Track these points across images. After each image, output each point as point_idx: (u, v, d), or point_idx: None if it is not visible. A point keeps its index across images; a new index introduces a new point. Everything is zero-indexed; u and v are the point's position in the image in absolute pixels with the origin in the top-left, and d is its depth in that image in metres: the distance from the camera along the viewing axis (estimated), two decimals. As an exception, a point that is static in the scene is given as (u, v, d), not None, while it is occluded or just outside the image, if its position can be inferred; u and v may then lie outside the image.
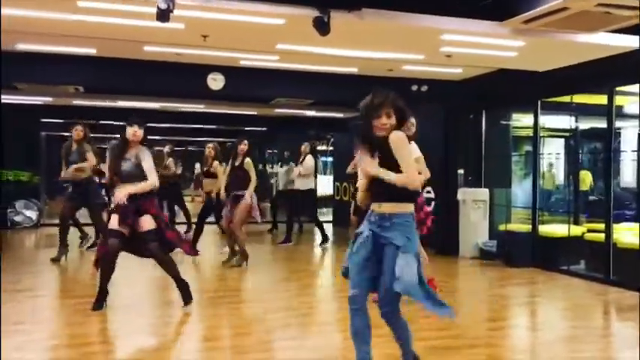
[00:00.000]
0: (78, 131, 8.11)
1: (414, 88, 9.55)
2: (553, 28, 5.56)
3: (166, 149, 11.15)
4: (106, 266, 5.49)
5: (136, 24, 5.97)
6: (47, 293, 6.82)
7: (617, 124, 10.56)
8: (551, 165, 12.26)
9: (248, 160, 8.03)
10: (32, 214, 13.02)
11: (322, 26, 5.35)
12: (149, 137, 5.58)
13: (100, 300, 5.57)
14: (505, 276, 8.15)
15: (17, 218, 12.85)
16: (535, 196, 8.91)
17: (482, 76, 9.26)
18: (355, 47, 6.61)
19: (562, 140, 11.92)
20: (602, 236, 7.83)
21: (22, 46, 7.58)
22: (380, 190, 3.53)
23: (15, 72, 8.38)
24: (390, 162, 3.45)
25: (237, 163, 8.05)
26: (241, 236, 8.09)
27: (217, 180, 8.74)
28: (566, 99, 8.73)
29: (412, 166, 3.49)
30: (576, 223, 9.28)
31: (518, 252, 8.80)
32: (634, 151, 8.67)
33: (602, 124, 9.69)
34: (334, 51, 6.56)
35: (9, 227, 12.50)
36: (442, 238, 9.99)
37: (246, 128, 17.12)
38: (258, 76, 9.07)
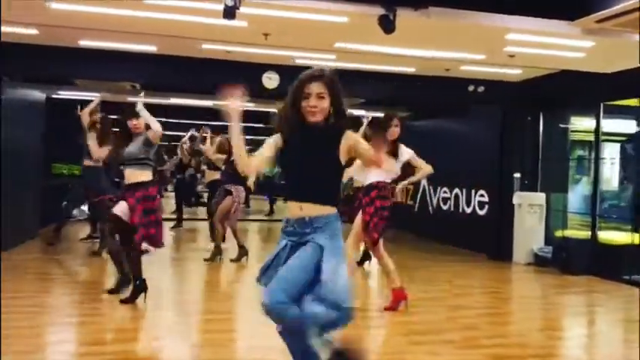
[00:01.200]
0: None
1: (471, 88, 9.36)
2: (626, 28, 5.35)
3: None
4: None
5: (199, 21, 6.00)
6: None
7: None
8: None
9: None
10: (87, 208, 13.26)
11: (388, 24, 5.26)
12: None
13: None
14: (563, 284, 7.91)
15: (73, 211, 13.10)
16: (595, 202, 8.63)
17: (542, 77, 9.00)
18: (416, 46, 6.50)
19: (617, 145, 11.54)
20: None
21: (85, 43, 7.71)
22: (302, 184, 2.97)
23: (76, 68, 8.59)
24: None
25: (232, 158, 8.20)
26: (220, 230, 8.45)
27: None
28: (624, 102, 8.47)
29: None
30: (636, 230, 8.95)
31: (575, 259, 8.54)
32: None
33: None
34: (395, 50, 6.45)
35: (65, 220, 12.76)
36: (495, 242, 9.80)
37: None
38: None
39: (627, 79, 7.77)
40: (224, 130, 8.27)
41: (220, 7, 4.98)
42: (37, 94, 10.03)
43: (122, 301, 5.63)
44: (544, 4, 5.55)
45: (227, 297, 6.84)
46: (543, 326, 6.03)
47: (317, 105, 2.92)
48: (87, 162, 8.21)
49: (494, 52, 6.75)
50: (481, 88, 9.38)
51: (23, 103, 9.21)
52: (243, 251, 8.33)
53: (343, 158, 2.97)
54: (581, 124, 10.16)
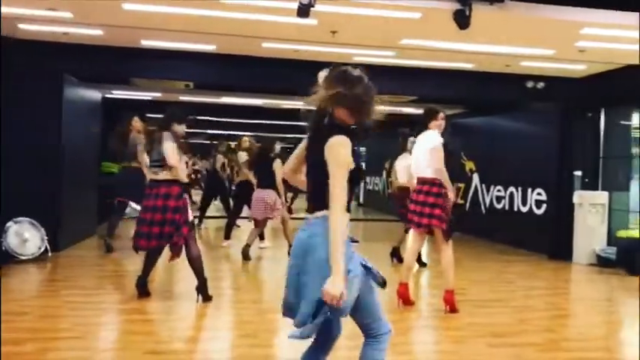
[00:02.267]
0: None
1: (530, 85, 9.18)
2: None
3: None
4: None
5: (266, 19, 5.98)
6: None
7: None
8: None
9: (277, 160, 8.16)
10: (137, 206, 13.42)
11: (463, 19, 5.16)
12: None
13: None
14: (631, 285, 7.66)
15: (126, 209, 13.27)
16: (663, 201, 8.36)
17: (604, 73, 8.77)
18: (488, 41, 6.37)
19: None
20: None
21: (146, 43, 7.78)
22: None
23: (135, 67, 8.69)
24: None
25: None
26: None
27: None
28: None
29: None
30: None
31: (641, 260, 8.28)
32: None
33: None
34: (463, 46, 6.33)
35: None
36: (554, 242, 9.58)
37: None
38: (367, 72, 8.96)
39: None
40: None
41: (288, 5, 4.95)
42: (94, 93, 10.18)
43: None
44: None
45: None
46: (621, 330, 5.87)
47: None
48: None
49: (565, 47, 6.58)
50: (541, 85, 9.18)
51: (81, 102, 9.36)
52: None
53: None
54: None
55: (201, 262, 5.72)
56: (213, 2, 5.61)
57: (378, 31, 6.19)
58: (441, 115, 5.68)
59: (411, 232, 5.92)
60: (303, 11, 4.98)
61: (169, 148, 5.46)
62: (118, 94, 12.02)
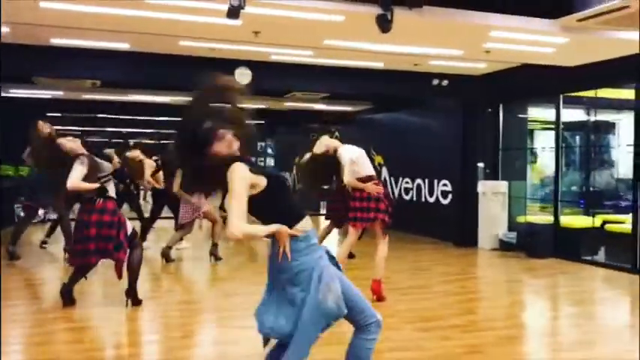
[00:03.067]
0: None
1: (435, 82, 9.68)
2: (604, 26, 5.73)
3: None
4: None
5: (191, 20, 5.97)
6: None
7: (615, 116, 11.01)
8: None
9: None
10: (39, 210, 12.80)
11: (385, 23, 5.42)
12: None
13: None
14: (532, 267, 8.35)
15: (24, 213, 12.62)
16: (557, 189, 9.12)
17: (501, 71, 9.42)
18: (404, 43, 6.69)
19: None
20: (620, 227, 8.17)
21: (56, 41, 7.48)
22: None
23: (41, 66, 8.30)
24: None
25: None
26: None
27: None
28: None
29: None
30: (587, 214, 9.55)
31: (539, 243, 9.02)
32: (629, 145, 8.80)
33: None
34: (383, 47, 6.63)
35: (16, 223, 12.28)
36: (460, 229, 10.20)
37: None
38: (283, 70, 9.10)
39: (583, 72, 8.26)
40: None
41: (209, 6, 4.98)
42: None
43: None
44: (527, 4, 5.87)
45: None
46: (530, 308, 6.44)
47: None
48: None
49: (473, 48, 7.05)
50: (445, 82, 9.71)
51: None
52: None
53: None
54: (538, 115, 10.73)
55: (139, 268, 5.65)
56: (133, 2, 5.51)
57: (301, 33, 6.35)
58: None
59: (350, 227, 6.05)
60: (233, 13, 5.03)
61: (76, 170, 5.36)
62: (16, 92, 11.39)
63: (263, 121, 17.05)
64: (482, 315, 5.83)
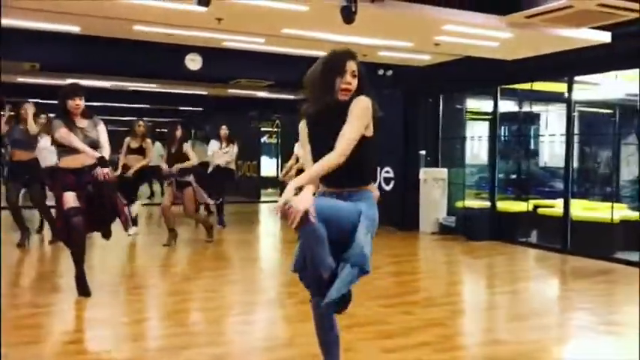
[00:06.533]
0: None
1: (381, 72, 10.03)
2: (549, 23, 6.20)
3: None
4: (78, 248, 5.28)
5: (151, 4, 6.00)
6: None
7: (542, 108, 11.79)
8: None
9: (186, 144, 8.27)
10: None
11: (349, 15, 5.64)
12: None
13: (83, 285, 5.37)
14: (470, 249, 8.87)
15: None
16: (494, 176, 9.70)
17: (443, 63, 9.86)
18: (360, 34, 6.95)
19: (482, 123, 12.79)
20: (551, 211, 8.82)
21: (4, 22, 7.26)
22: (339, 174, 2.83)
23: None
24: None
25: (174, 150, 8.24)
26: (199, 217, 8.88)
27: (145, 156, 8.79)
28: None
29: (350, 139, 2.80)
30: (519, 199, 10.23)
31: (477, 227, 9.57)
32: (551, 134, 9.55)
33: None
34: (340, 37, 6.86)
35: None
36: (403, 214, 10.63)
37: (181, 108, 17.08)
38: (232, 57, 9.19)
39: (519, 66, 8.81)
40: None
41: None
42: None
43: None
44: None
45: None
46: (472, 285, 6.91)
47: (352, 83, 2.86)
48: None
49: (423, 41, 7.40)
50: (390, 72, 10.07)
51: None
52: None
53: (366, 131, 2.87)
54: (473, 106, 11.31)
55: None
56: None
57: (263, 21, 6.48)
58: None
59: None
60: (204, 0, 5.12)
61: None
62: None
63: (202, 108, 17.01)
64: (435, 292, 6.21)
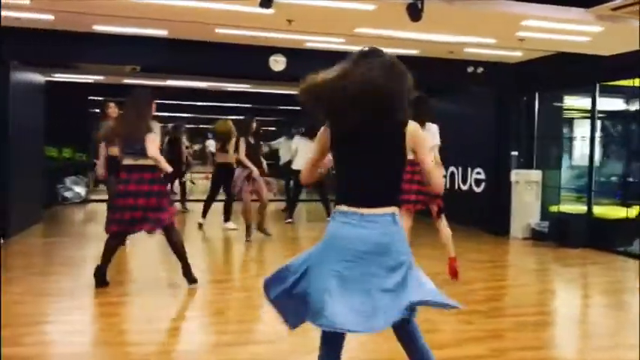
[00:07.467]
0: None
1: (470, 69, 9.66)
2: (636, 15, 5.68)
3: None
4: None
5: (227, 8, 6.14)
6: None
7: None
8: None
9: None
10: (81, 190, 13.32)
11: (415, 12, 5.48)
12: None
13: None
14: (561, 256, 8.32)
15: (67, 194, 13.14)
16: (591, 179, 9.05)
17: (537, 59, 9.33)
18: (437, 31, 6.74)
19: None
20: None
21: (98, 28, 7.77)
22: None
23: (84, 52, 8.61)
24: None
25: (252, 141, 8.51)
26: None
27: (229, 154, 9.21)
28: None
29: None
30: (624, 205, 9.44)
31: (571, 233, 8.97)
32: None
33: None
34: (414, 35, 6.69)
35: (60, 202, 12.81)
36: (493, 217, 10.19)
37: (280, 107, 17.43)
38: (315, 57, 9.21)
39: (622, 62, 8.14)
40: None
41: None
42: (36, 77, 9.98)
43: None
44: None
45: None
46: (559, 296, 6.48)
47: None
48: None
49: (506, 37, 7.04)
50: (480, 69, 9.68)
51: (26, 87, 9.20)
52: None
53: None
54: (574, 104, 10.62)
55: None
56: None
57: (333, 21, 6.45)
58: None
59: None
60: (266, 2, 5.17)
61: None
62: (60, 77, 11.81)
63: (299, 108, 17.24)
64: (508, 301, 5.89)
